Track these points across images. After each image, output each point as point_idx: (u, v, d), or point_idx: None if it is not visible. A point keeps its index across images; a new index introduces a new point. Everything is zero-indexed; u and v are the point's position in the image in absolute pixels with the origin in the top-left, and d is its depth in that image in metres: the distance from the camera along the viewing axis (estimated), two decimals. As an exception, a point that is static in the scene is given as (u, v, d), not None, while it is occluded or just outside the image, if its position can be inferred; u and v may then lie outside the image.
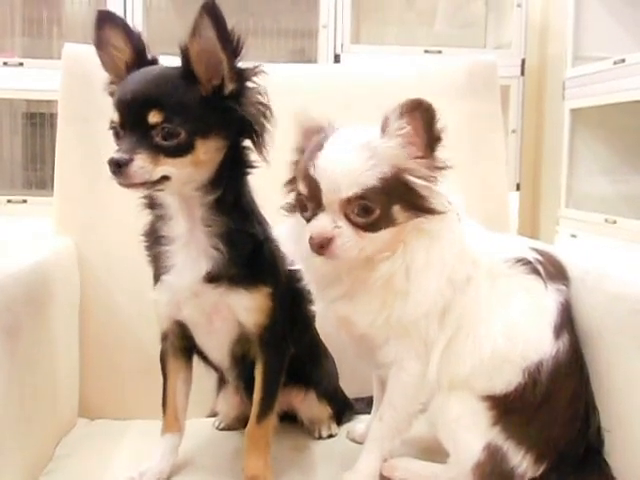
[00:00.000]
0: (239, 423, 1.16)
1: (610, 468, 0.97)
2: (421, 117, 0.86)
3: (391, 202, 0.87)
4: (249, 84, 0.91)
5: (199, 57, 0.88)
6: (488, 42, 3.10)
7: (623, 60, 2.28)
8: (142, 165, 0.83)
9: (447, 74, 1.44)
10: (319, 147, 0.89)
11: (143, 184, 0.85)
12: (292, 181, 0.95)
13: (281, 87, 1.41)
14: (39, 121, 2.89)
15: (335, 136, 0.89)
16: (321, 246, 0.85)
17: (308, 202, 0.89)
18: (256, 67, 0.91)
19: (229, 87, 0.89)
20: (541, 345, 0.95)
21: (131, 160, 0.83)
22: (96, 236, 1.30)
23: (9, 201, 2.69)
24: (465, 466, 0.94)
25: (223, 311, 0.96)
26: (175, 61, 1.39)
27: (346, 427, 1.19)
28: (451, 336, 0.94)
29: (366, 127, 0.90)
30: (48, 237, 1.30)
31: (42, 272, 1.09)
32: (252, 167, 0.95)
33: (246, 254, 0.94)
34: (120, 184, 0.85)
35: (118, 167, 0.82)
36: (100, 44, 0.93)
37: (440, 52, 2.74)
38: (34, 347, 1.02)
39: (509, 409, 0.94)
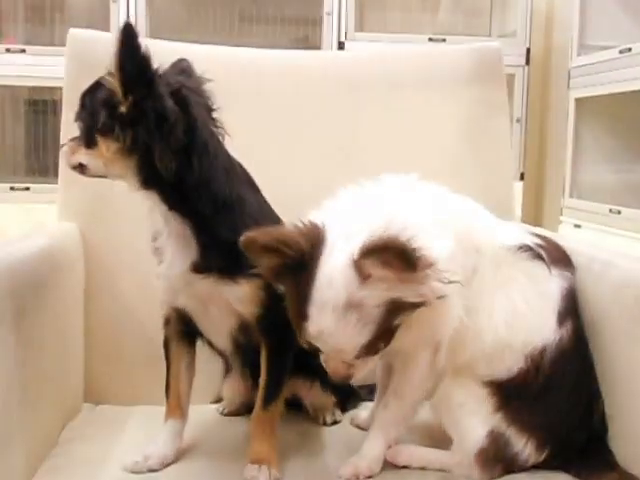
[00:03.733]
0: (244, 409, 1.16)
1: (614, 456, 0.97)
2: (393, 257, 0.79)
3: (390, 326, 0.85)
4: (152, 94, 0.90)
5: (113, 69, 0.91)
6: (493, 31, 3.08)
7: (629, 49, 2.26)
8: (65, 151, 0.99)
9: (452, 60, 1.44)
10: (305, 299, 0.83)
11: (71, 167, 0.99)
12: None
13: (285, 73, 1.42)
14: (42, 108, 2.87)
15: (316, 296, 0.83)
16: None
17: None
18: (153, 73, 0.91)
19: (123, 105, 0.90)
20: (544, 331, 0.95)
21: (62, 146, 1.00)
22: (101, 222, 1.30)
23: (12, 188, 2.68)
24: (469, 452, 0.95)
25: (217, 300, 0.97)
26: (177, 46, 1.40)
27: (350, 414, 1.19)
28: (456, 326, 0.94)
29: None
30: (52, 222, 1.30)
31: (47, 257, 1.09)
32: (212, 157, 0.95)
33: (232, 245, 0.93)
34: None
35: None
36: None
37: (444, 40, 2.72)
38: (39, 332, 1.02)
39: (511, 395, 0.94)
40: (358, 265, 0.81)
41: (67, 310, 1.18)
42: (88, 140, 0.94)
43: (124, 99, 0.89)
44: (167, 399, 1.04)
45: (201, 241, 0.95)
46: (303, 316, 0.84)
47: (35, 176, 2.86)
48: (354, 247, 0.81)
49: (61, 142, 1.32)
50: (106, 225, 1.30)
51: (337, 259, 0.82)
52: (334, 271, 0.82)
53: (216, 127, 1.00)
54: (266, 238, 0.84)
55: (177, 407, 1.03)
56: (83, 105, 0.95)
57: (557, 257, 1.01)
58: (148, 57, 0.89)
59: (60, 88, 1.35)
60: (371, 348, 0.85)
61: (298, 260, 0.84)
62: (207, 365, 1.10)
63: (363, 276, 0.81)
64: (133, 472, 0.97)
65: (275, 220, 1.03)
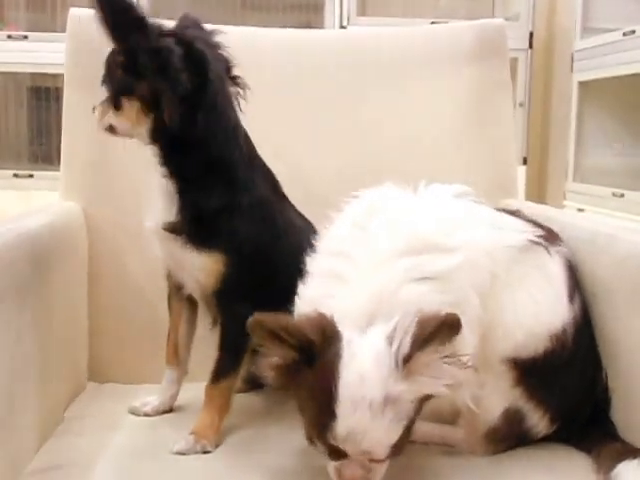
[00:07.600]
0: (244, 384, 1.16)
1: (615, 428, 0.97)
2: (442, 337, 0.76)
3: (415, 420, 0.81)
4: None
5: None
6: (496, 14, 3.07)
7: (633, 31, 2.26)
8: (96, 114, 1.02)
9: (455, 38, 1.43)
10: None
11: (104, 129, 1.03)
12: None
13: (289, 52, 1.42)
14: (44, 95, 2.88)
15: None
16: None
17: None
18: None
19: (119, 58, 0.96)
20: (562, 312, 0.95)
21: (94, 109, 1.02)
22: (103, 200, 1.29)
23: (15, 175, 2.69)
24: (478, 429, 0.94)
25: (185, 264, 1.00)
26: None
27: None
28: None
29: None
30: (55, 202, 1.30)
31: (49, 234, 1.09)
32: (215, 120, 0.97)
33: (209, 213, 0.98)
34: None
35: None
36: None
37: (447, 24, 2.72)
38: (43, 309, 1.02)
39: (532, 371, 0.93)
40: (406, 359, 0.75)
41: (71, 287, 1.19)
42: (115, 103, 0.99)
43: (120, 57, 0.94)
44: (167, 348, 1.10)
45: (182, 203, 0.99)
46: (329, 415, 0.75)
47: (38, 163, 2.87)
48: (387, 335, 0.77)
49: (64, 121, 1.34)
50: (109, 204, 1.30)
51: (368, 350, 0.77)
52: (367, 364, 0.76)
53: (236, 84, 1.03)
54: (273, 324, 0.78)
55: (174, 355, 1.10)
56: (106, 69, 0.99)
57: (548, 235, 1.00)
58: (143, 16, 0.93)
59: (63, 75, 1.34)
60: (399, 447, 0.79)
61: (308, 354, 0.78)
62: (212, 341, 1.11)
63: (407, 369, 0.76)
64: (131, 414, 1.08)
65: (268, 193, 1.04)
